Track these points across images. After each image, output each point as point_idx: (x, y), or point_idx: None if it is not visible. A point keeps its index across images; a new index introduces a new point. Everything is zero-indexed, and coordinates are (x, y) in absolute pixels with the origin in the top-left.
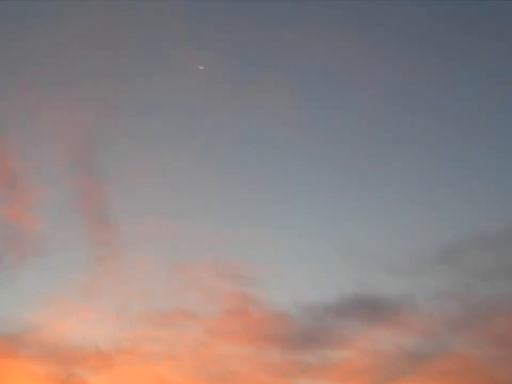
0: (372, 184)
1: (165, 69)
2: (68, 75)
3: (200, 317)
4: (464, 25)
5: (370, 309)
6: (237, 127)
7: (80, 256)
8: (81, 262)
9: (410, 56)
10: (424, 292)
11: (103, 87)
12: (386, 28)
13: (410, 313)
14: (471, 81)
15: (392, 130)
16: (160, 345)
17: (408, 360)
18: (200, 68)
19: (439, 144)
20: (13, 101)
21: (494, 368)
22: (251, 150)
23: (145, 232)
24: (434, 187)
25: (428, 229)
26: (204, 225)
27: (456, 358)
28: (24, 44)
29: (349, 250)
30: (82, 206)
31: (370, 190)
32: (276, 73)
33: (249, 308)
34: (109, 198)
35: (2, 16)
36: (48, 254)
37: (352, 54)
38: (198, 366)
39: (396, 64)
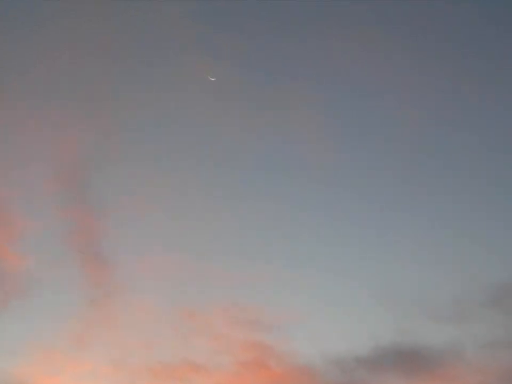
0: (412, 218)
1: (170, 80)
2: (58, 86)
3: (211, 371)
4: None
5: (410, 360)
6: (254, 150)
7: (72, 299)
8: (73, 306)
9: (461, 70)
10: (473, 341)
11: (98, 100)
12: (436, 36)
13: (457, 365)
14: None
15: (436, 156)
16: None
17: None
18: (211, 79)
19: (489, 177)
20: None
21: None
22: (271, 176)
23: (147, 272)
24: (482, 223)
25: (476, 269)
26: (215, 263)
27: None
28: (7, 50)
29: (385, 293)
30: (74, 241)
31: (410, 224)
32: (300, 87)
33: (268, 360)
34: (105, 231)
35: None
36: (35, 297)
37: (392, 66)
38: None
39: (443, 78)
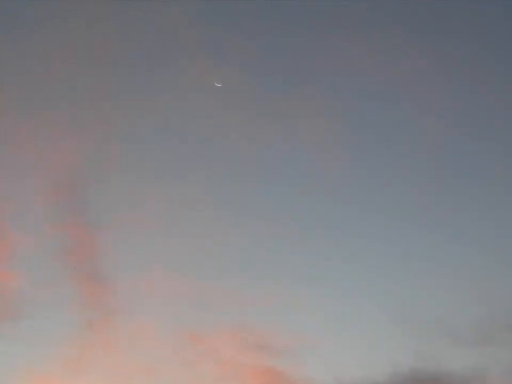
0: (433, 236)
1: (173, 86)
2: (52, 93)
3: None
4: None
5: None
6: (262, 160)
7: (67, 321)
8: (68, 328)
9: (484, 75)
10: (497, 366)
11: (95, 109)
12: (457, 41)
13: None
14: None
15: (458, 168)
16: None
17: None
18: (217, 85)
19: None
20: None
21: None
22: (281, 190)
23: (148, 292)
24: (507, 243)
25: (499, 290)
26: (221, 283)
27: None
28: None
29: (404, 315)
30: (70, 259)
31: (431, 243)
32: (311, 93)
33: None
34: (103, 248)
35: None
36: (27, 319)
37: (409, 72)
38: None
39: (464, 84)
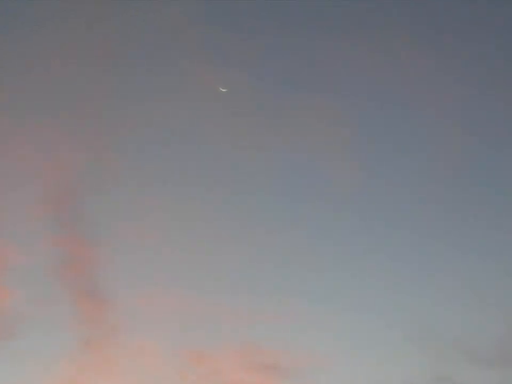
0: (451, 250)
1: (175, 91)
2: (47, 98)
3: None
4: None
5: None
6: (270, 170)
7: (64, 340)
8: (65, 347)
9: (505, 81)
10: None
11: (93, 115)
12: (479, 47)
13: None
14: None
15: (480, 180)
16: None
17: None
18: (222, 90)
19: None
20: None
21: None
22: (289, 200)
23: (149, 309)
24: None
25: None
26: (226, 299)
27: None
28: None
29: (420, 333)
30: (66, 274)
31: (449, 257)
32: (321, 98)
33: None
34: (101, 263)
35: None
36: (22, 338)
37: (426, 74)
38: None
39: (487, 90)
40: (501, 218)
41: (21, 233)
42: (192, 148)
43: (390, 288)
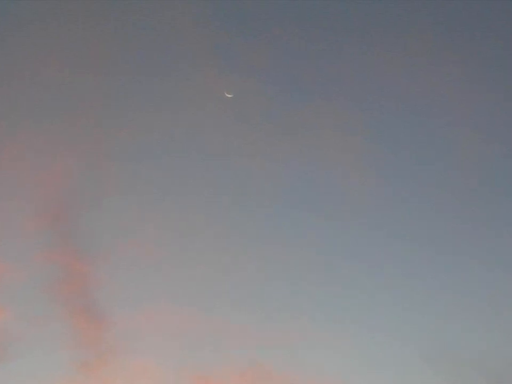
0: (472, 266)
1: (178, 97)
2: (41, 104)
3: None
4: None
5: None
6: (278, 181)
7: (59, 361)
8: (60, 369)
9: None
10: None
11: (90, 122)
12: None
13: None
14: None
15: (504, 190)
16: None
17: None
18: (228, 95)
19: None
20: None
21: None
22: (298, 213)
23: (149, 328)
24: None
25: None
26: (231, 318)
27: None
28: None
29: (438, 353)
30: (61, 291)
31: (469, 273)
32: (333, 104)
33: None
34: (98, 279)
35: None
36: (15, 359)
37: (445, 78)
38: None
39: (508, 93)
40: None
41: (14, 248)
42: (196, 157)
43: (405, 305)
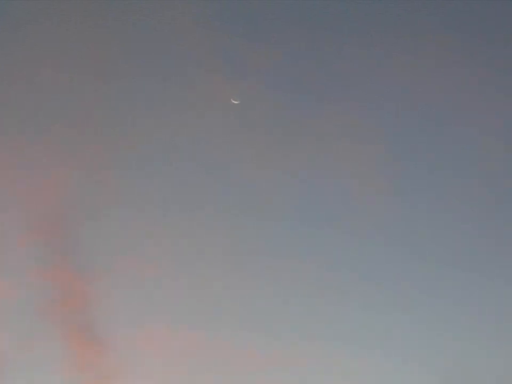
0: (496, 287)
1: (182, 103)
2: (36, 112)
3: None
4: None
5: None
6: (288, 193)
7: None
8: None
9: None
10: None
11: (89, 130)
12: None
13: None
14: None
15: None
16: None
17: None
18: (234, 102)
19: None
20: None
21: None
22: (307, 227)
23: (149, 350)
24: None
25: None
26: (236, 340)
27: None
28: None
29: (459, 379)
30: (57, 311)
31: (491, 292)
32: (344, 110)
33: None
34: (96, 298)
35: None
36: (7, 381)
37: (467, 84)
38: None
39: None
40: None
41: (8, 264)
42: (200, 167)
43: (425, 329)
